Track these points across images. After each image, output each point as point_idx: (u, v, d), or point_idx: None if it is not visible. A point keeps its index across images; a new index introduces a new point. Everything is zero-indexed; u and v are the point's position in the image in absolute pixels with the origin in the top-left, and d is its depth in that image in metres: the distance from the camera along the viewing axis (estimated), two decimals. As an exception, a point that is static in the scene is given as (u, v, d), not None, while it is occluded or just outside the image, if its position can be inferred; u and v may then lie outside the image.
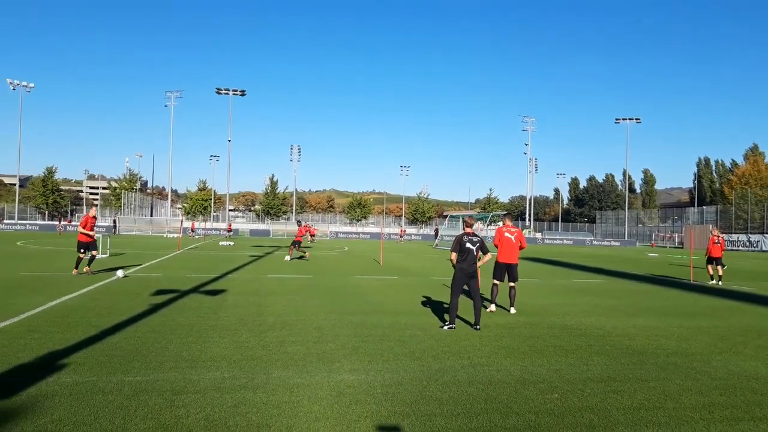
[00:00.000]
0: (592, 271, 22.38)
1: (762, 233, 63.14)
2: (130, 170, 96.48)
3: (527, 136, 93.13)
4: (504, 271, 10.42)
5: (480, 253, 8.84)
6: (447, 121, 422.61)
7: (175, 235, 51.27)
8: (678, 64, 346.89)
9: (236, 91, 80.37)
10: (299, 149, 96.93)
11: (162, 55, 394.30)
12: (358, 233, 77.81)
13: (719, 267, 18.10)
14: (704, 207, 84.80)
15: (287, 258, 23.27)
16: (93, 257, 15.10)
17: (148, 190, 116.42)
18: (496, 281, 10.54)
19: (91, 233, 14.97)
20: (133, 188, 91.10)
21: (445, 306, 10.73)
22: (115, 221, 64.63)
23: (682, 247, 66.54)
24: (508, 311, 10.28)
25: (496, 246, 10.59)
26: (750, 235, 63.82)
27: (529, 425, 4.43)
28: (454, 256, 8.70)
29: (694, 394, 5.41)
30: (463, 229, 9.08)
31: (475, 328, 8.42)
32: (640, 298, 13.14)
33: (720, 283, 17.73)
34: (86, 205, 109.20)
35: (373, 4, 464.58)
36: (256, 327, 8.13)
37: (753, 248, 61.37)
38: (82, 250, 14.70)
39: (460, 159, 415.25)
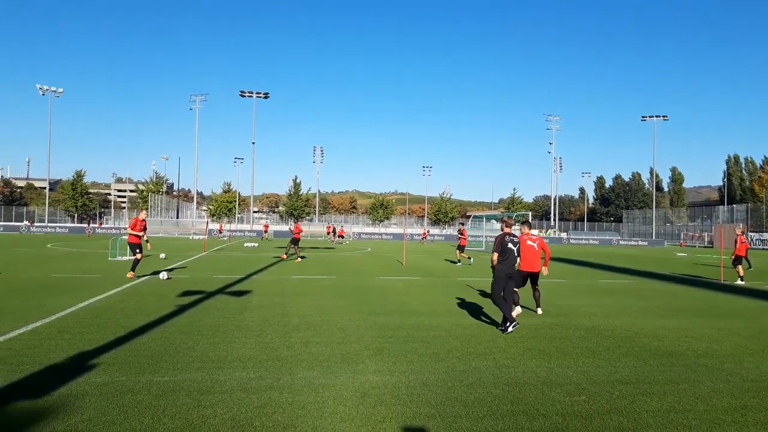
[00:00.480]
0: (618, 272, 22.04)
1: (795, 232, 61.50)
2: (156, 173, 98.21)
3: (551, 135, 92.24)
4: (526, 279, 10.03)
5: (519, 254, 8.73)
6: (469, 120, 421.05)
7: (201, 237, 51.91)
8: (706, 60, 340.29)
9: (260, 93, 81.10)
10: (322, 151, 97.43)
11: (187, 59, 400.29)
12: (380, 234, 77.89)
13: (739, 266, 18.07)
14: (734, 205, 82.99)
15: (297, 259, 23.66)
16: (137, 261, 14.92)
17: (174, 193, 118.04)
18: (515, 289, 9.63)
19: (140, 234, 15.01)
20: (159, 191, 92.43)
21: (481, 308, 10.69)
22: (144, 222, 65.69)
23: (712, 247, 65.18)
24: (535, 312, 10.17)
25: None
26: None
27: (557, 428, 4.37)
28: (495, 256, 8.50)
29: (725, 397, 5.29)
30: (502, 229, 8.90)
31: (500, 329, 8.33)
32: (668, 299, 12.90)
33: (740, 281, 17.61)
34: (114, 208, 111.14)
35: (395, 4, 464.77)
36: (281, 328, 8.19)
37: (786, 247, 59.79)
38: (137, 251, 14.78)
39: (483, 158, 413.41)
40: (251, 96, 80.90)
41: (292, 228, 24.84)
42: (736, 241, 18.91)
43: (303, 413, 4.55)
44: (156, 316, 8.86)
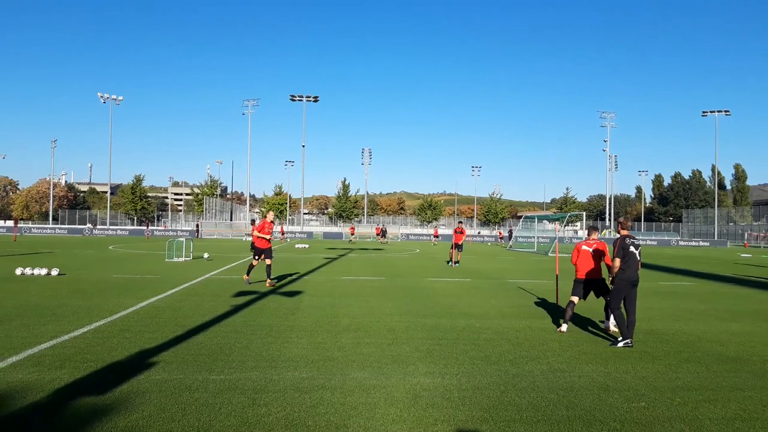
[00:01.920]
0: (679, 273, 21.23)
1: None
2: (210, 176, 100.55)
3: (606, 132, 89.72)
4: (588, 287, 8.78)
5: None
6: (520, 118, 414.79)
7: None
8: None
9: (309, 97, 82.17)
10: (370, 152, 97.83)
11: (240, 65, 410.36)
12: (429, 235, 77.61)
13: None
14: (804, 203, 78.62)
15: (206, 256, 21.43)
16: (268, 266, 13.97)
17: (227, 196, 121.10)
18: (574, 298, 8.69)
19: (268, 237, 14.01)
20: (213, 194, 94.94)
21: (552, 309, 10.51)
22: (197, 225, 67.64)
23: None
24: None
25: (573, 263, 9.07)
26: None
27: (614, 434, 4.24)
28: (618, 262, 7.52)
29: (797, 406, 5.00)
30: (618, 231, 7.95)
31: (627, 345, 7.35)
32: (732, 302, 12.32)
33: None
34: (171, 211, 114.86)
35: (443, 5, 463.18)
36: (332, 328, 8.27)
37: None
38: (256, 257, 13.97)
39: (535, 157, 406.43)
40: (301, 100, 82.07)
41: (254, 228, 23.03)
42: None
43: (354, 414, 4.57)
44: (212, 315, 9.10)
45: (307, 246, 40.86)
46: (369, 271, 19.33)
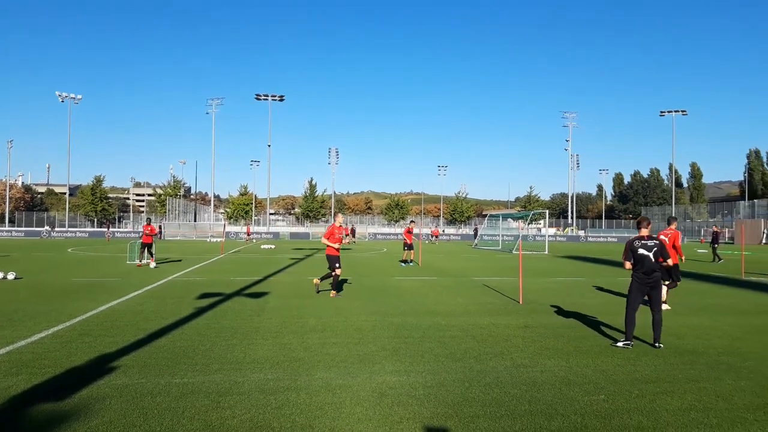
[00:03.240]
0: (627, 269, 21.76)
1: (819, 226, 60.33)
2: (174, 177, 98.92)
3: (568, 132, 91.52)
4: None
5: (663, 259, 7.46)
6: (485, 118, 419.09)
7: (219, 239, 52.34)
8: (724, 53, 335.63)
9: (275, 96, 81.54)
10: (337, 152, 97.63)
11: (203, 64, 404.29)
12: (396, 234, 77.86)
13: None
14: (755, 200, 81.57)
15: (150, 264, 19.50)
16: (336, 277, 12.23)
17: (191, 196, 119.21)
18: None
19: (336, 245, 12.29)
20: (177, 194, 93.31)
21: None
22: (160, 227, 66.39)
23: (733, 243, 64.15)
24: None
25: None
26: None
27: (575, 427, 4.34)
28: (627, 265, 7.58)
29: (747, 395, 5.21)
30: (639, 231, 7.87)
31: (655, 346, 7.20)
32: (689, 297, 12.72)
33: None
34: (133, 212, 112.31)
35: (407, 4, 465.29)
36: (298, 329, 8.23)
37: (809, 242, 58.67)
38: (337, 265, 12.18)
39: (499, 157, 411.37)
40: (266, 99, 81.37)
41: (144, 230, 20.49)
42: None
43: (320, 414, 4.57)
44: (174, 318, 8.95)
45: (273, 246, 40.54)
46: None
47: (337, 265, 12.14)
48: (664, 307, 10.26)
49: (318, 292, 12.36)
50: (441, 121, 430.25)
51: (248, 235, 57.86)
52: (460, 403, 4.87)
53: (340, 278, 12.61)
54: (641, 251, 7.48)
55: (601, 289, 14.18)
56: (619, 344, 7.27)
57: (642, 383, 5.57)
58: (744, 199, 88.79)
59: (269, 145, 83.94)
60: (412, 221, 26.35)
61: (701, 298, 12.55)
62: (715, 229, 30.15)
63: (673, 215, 10.11)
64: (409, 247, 22.45)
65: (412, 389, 5.27)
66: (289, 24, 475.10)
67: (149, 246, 20.15)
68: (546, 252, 35.35)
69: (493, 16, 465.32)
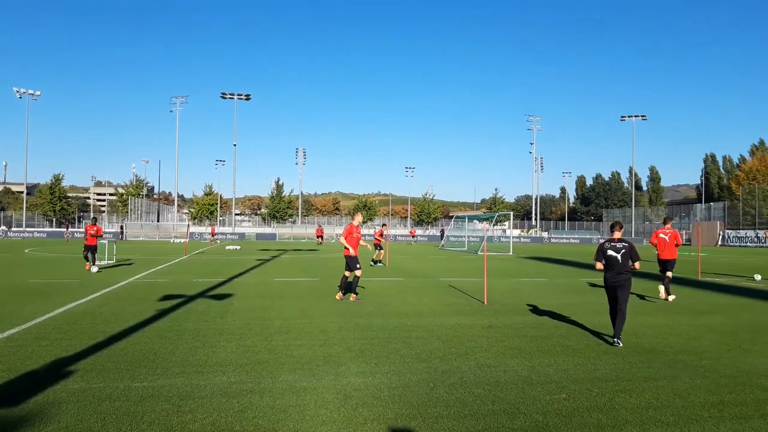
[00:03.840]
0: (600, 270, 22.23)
1: (770, 229, 62.64)
2: (136, 176, 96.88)
3: (532, 135, 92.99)
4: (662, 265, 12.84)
5: (630, 260, 7.86)
6: (452, 121, 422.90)
7: (182, 240, 51.43)
8: (682, 60, 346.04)
9: (241, 95, 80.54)
10: (305, 152, 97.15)
11: (167, 61, 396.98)
12: (363, 235, 77.81)
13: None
14: (711, 203, 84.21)
15: (94, 269, 17.65)
16: (357, 278, 11.79)
17: (154, 196, 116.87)
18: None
19: (351, 246, 11.77)
20: (139, 194, 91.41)
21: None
22: (122, 227, 64.89)
23: (690, 244, 66.12)
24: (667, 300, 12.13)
25: (654, 244, 13.24)
26: (758, 231, 63.38)
27: (537, 426, 4.40)
28: (599, 265, 8.02)
29: (703, 392, 5.36)
30: (612, 233, 8.31)
31: (613, 343, 7.50)
32: (648, 297, 13.04)
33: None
34: (93, 212, 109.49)
35: (376, 6, 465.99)
36: (262, 331, 8.14)
37: (761, 244, 60.92)
38: (358, 266, 11.74)
39: (466, 159, 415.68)
40: (232, 98, 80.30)
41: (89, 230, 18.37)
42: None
43: (284, 417, 4.52)
44: (135, 321, 8.76)
45: (238, 247, 40.08)
46: (302, 272, 19.19)
47: (358, 266, 11.66)
48: (671, 297, 12.26)
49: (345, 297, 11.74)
50: (409, 123, 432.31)
51: (213, 235, 56.98)
52: (424, 404, 4.89)
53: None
54: (610, 252, 7.94)
55: (594, 285, 14.43)
56: (614, 342, 7.54)
57: (602, 382, 5.69)
58: (701, 202, 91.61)
59: (235, 145, 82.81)
60: (383, 225, 27.52)
61: (656, 297, 12.87)
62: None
63: (669, 216, 12.72)
64: (379, 247, 23.23)
65: (377, 390, 5.26)
66: (255, 23, 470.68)
67: (93, 249, 17.93)
68: (510, 253, 35.82)
69: (460, 20, 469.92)
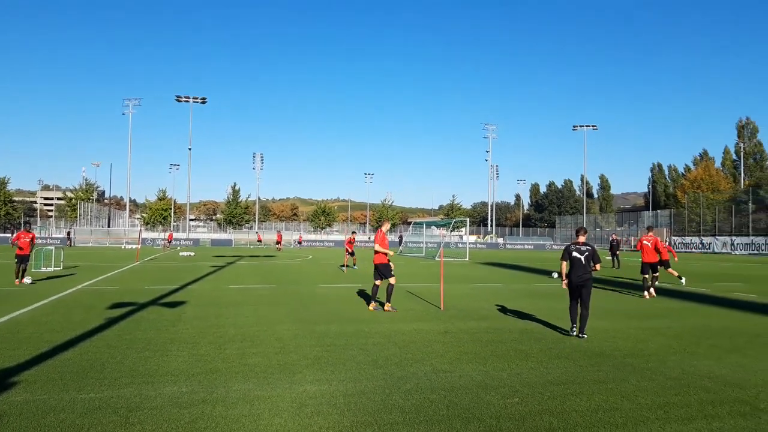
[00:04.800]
0: (551, 275, 22.74)
1: (714, 236, 65.41)
2: (86, 180, 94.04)
3: (488, 144, 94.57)
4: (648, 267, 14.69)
5: (591, 262, 8.66)
6: (410, 128, 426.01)
7: (134, 246, 50.03)
8: (632, 73, 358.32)
9: (196, 98, 79.15)
10: (262, 157, 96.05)
11: (119, 62, 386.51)
12: (322, 241, 77.46)
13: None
14: (659, 211, 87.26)
15: (27, 281, 15.75)
16: (390, 287, 11.32)
17: (105, 201, 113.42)
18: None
19: (389, 252, 11.41)
20: (89, 198, 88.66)
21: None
22: (69, 233, 62.66)
23: (638, 250, 68.35)
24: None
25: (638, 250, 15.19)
26: (702, 238, 66.05)
27: (490, 430, 4.45)
28: (564, 265, 8.76)
29: (649, 395, 5.53)
30: (577, 237, 9.05)
31: (579, 336, 8.40)
32: (597, 301, 13.37)
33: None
34: (40, 217, 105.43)
35: (336, 12, 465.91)
36: (216, 339, 7.98)
37: (705, 250, 63.49)
38: (393, 273, 11.35)
39: (424, 166, 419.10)
40: (188, 101, 78.83)
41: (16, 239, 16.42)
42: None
43: (237, 427, 4.44)
44: (82, 329, 8.46)
45: (192, 254, 39.28)
46: (259, 278, 18.93)
47: (392, 273, 11.32)
48: (646, 294, 14.29)
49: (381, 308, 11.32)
50: (368, 129, 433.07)
51: (169, 241, 55.63)
52: (380, 411, 4.89)
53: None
54: (575, 254, 8.75)
55: (552, 273, 14.66)
56: (572, 333, 8.61)
57: (553, 385, 5.81)
58: (648, 210, 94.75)
59: (190, 149, 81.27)
60: (353, 232, 29.11)
61: (608, 302, 13.26)
62: (614, 237, 32.57)
63: (651, 225, 15.90)
64: (351, 253, 25.17)
65: (332, 398, 5.23)
66: (212, 26, 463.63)
67: (26, 259, 15.94)
68: (467, 259, 36.24)
69: (418, 28, 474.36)
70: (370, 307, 11.27)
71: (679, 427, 4.62)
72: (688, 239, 67.64)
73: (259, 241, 69.23)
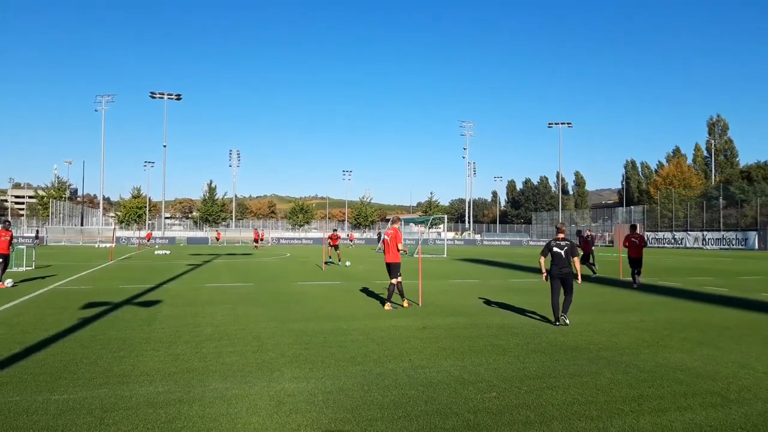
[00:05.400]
0: (528, 271, 23.00)
1: (685, 231, 66.76)
2: (58, 178, 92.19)
3: (465, 141, 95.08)
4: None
5: (570, 256, 9.45)
6: (389, 126, 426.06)
7: (108, 245, 49.23)
8: (606, 70, 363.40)
9: (171, 95, 78.13)
10: (239, 154, 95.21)
11: (92, 57, 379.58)
12: (300, 239, 77.12)
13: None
14: (632, 207, 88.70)
15: (8, 283, 14.79)
16: (400, 284, 11.28)
17: (78, 199, 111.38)
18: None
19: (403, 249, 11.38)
20: (62, 197, 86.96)
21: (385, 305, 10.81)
22: (37, 232, 61.38)
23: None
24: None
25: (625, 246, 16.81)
26: (674, 233, 67.35)
27: (468, 425, 4.49)
28: (542, 260, 9.53)
29: (624, 387, 5.63)
30: (556, 234, 9.84)
31: (562, 316, 9.27)
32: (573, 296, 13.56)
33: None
34: (11, 215, 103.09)
35: (311, 10, 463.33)
36: (192, 338, 7.90)
37: (677, 245, 64.77)
38: (400, 272, 11.32)
39: (403, 163, 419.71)
40: (162, 97, 77.77)
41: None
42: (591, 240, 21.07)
43: (214, 426, 4.41)
44: (56, 330, 8.31)
45: (168, 252, 38.81)
46: (236, 277, 18.78)
47: (400, 272, 11.26)
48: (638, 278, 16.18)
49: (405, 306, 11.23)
50: (346, 126, 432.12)
51: (148, 240, 54.77)
52: (358, 407, 4.89)
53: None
54: (555, 249, 9.51)
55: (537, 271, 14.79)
56: (556, 324, 9.19)
57: (530, 379, 5.87)
58: (622, 206, 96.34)
59: (165, 146, 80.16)
60: (335, 230, 29.47)
61: (583, 297, 13.41)
62: (588, 233, 32.45)
63: (634, 224, 16.88)
64: (335, 248, 26.67)
65: (311, 396, 5.22)
66: (188, 21, 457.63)
67: (6, 259, 14.93)
68: (445, 255, 36.41)
69: (396, 26, 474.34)
70: (386, 307, 11.01)
71: (652, 418, 4.71)
72: (660, 234, 68.90)
73: (218, 239, 66.38)
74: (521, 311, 10.84)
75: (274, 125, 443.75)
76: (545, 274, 9.61)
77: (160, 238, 67.56)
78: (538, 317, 10.12)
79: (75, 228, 75.77)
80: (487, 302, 12.16)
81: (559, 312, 9.26)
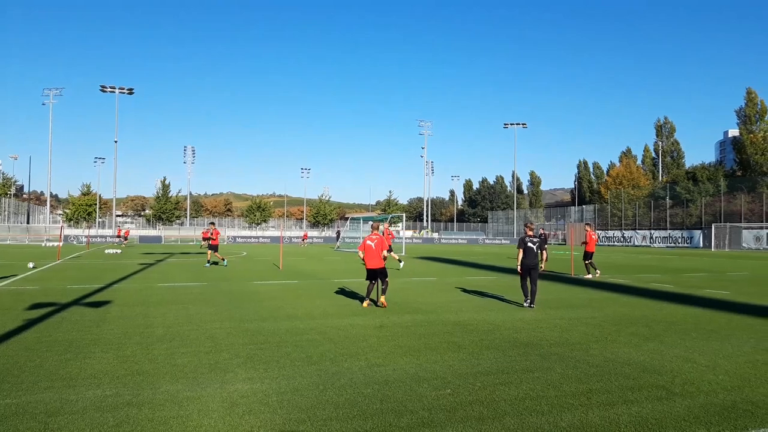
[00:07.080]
0: (483, 269, 23.35)
1: (634, 229, 69.03)
2: (3, 174, 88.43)
3: (424, 140, 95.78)
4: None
5: (540, 250, 11.55)
6: (348, 124, 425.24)
7: (55, 244, 47.52)
8: (560, 72, 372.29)
9: (123, 89, 75.97)
10: (193, 151, 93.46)
11: (39, 48, 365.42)
12: (257, 237, 76.15)
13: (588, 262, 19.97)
14: (584, 206, 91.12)
15: None
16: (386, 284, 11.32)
17: (24, 196, 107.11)
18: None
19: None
20: (6, 193, 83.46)
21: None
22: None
23: (566, 244, 71.13)
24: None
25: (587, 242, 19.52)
26: (624, 231, 69.53)
27: (423, 422, 4.52)
28: (520, 253, 11.22)
29: (573, 382, 5.77)
30: (525, 232, 11.60)
31: (530, 306, 11.04)
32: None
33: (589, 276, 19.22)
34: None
35: (274, 1, 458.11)
36: (143, 340, 7.70)
37: (627, 243, 66.92)
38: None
39: (361, 162, 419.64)
40: (113, 91, 75.53)
41: None
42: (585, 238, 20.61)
43: (164, 429, 4.31)
44: (-3, 333, 7.96)
45: (119, 251, 37.76)
46: (189, 276, 18.40)
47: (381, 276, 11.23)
48: (597, 273, 19.31)
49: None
50: (305, 124, 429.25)
51: (125, 238, 52.81)
52: (313, 407, 4.87)
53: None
54: (529, 244, 11.20)
55: (465, 290, 14.97)
56: (525, 304, 11.16)
57: (484, 375, 5.96)
58: (574, 205, 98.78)
59: (116, 141, 77.91)
60: (212, 223, 29.15)
61: (537, 294, 13.70)
62: (542, 232, 33.31)
63: (588, 222, 17.98)
64: (215, 248, 23.70)
65: (265, 396, 5.16)
66: (139, 14, 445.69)
67: None
68: (403, 253, 36.59)
69: (356, 22, 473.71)
70: (371, 303, 11.17)
71: (601, 412, 4.84)
72: (610, 233, 71.04)
73: (120, 236, 54.35)
74: (476, 309, 10.99)
75: (231, 121, 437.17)
76: (520, 266, 11.20)
77: (110, 236, 65.59)
78: (492, 316, 10.27)
79: (21, 226, 72.95)
80: (443, 300, 12.28)
81: (528, 294, 11.12)
